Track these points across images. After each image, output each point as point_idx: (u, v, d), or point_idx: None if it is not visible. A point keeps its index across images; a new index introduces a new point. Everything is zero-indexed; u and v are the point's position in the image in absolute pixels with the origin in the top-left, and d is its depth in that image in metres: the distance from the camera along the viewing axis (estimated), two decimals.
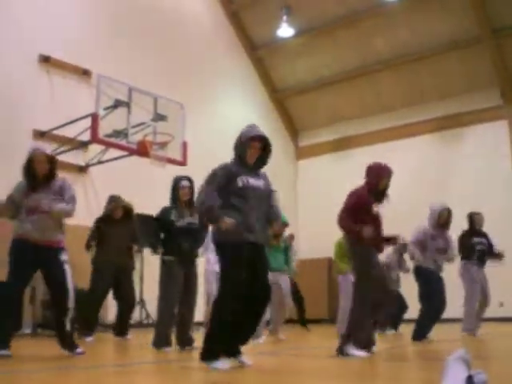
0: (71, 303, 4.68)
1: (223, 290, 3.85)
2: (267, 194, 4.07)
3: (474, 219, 7.67)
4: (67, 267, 4.71)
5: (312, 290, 12.01)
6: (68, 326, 4.69)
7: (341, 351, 4.58)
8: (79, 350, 4.68)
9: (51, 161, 4.73)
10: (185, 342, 5.45)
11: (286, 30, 14.14)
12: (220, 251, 3.96)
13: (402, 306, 8.83)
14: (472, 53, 12.92)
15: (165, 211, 5.58)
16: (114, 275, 7.19)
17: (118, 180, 9.69)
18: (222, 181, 3.91)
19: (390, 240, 5.08)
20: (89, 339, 6.73)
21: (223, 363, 3.70)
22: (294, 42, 14.49)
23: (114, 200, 7.42)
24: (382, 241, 4.96)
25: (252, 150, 4.02)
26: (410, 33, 13.31)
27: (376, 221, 4.87)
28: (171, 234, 5.50)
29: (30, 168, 4.68)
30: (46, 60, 10.02)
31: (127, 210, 7.52)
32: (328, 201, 14.36)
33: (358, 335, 4.62)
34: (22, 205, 4.65)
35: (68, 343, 4.68)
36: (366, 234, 4.63)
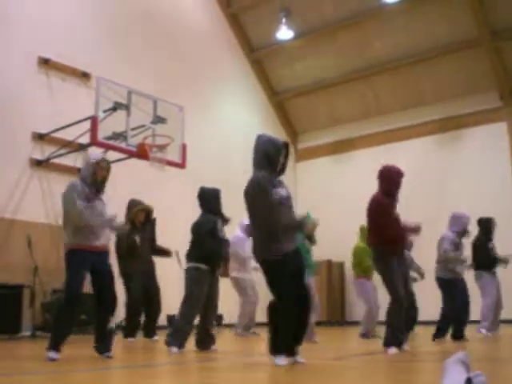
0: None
1: (286, 295, 3.94)
2: (291, 201, 4.18)
3: (491, 225, 7.65)
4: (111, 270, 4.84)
5: None
6: (109, 326, 4.82)
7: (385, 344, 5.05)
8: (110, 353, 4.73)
9: (108, 169, 4.82)
10: (210, 341, 5.62)
11: (285, 33, 14.18)
12: (272, 266, 3.99)
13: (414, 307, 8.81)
14: (471, 55, 12.94)
15: (212, 221, 5.63)
16: (144, 280, 7.30)
17: (117, 182, 9.66)
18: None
19: (414, 230, 5.28)
20: (131, 339, 6.96)
21: (284, 360, 3.93)
22: (293, 44, 14.52)
23: (135, 204, 7.38)
24: (406, 233, 5.26)
25: (282, 157, 4.07)
26: (408, 35, 13.34)
27: (397, 222, 5.23)
28: (214, 244, 5.57)
29: (95, 175, 4.70)
30: (45, 62, 10.02)
31: (147, 213, 7.51)
32: (327, 203, 14.37)
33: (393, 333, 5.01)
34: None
35: (108, 344, 4.73)
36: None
